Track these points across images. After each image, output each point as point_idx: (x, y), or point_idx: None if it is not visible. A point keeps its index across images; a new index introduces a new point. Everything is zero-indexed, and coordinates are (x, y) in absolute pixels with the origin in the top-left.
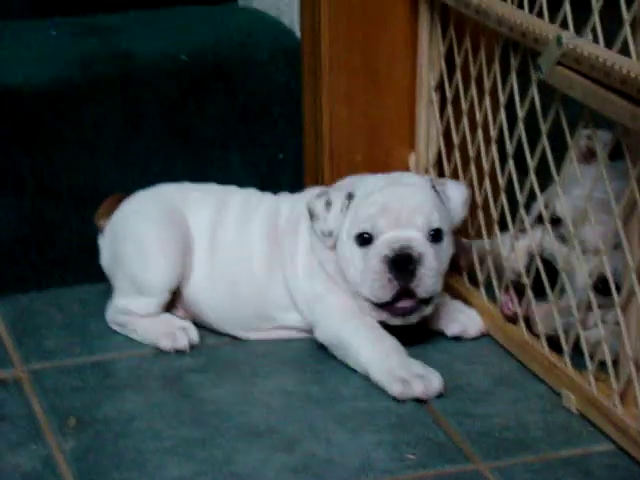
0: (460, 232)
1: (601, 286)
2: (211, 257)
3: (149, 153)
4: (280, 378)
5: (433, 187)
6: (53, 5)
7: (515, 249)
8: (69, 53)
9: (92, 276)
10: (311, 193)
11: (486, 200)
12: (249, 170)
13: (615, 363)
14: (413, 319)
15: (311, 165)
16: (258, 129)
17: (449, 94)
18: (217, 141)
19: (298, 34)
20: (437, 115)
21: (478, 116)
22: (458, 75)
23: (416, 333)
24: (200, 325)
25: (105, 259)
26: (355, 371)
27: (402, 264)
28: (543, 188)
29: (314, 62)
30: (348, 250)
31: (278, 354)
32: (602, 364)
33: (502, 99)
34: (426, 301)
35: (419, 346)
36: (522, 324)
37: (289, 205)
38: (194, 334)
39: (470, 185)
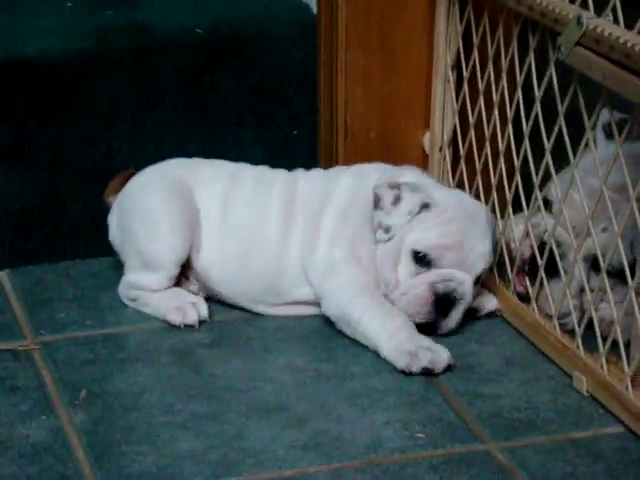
0: None
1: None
2: (223, 230)
3: (163, 127)
4: (291, 355)
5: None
6: None
7: (520, 232)
8: (84, 25)
9: (104, 249)
10: (333, 170)
11: (500, 181)
12: (263, 146)
13: (627, 345)
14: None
15: (326, 143)
16: (273, 105)
17: (466, 73)
18: (232, 116)
19: (315, 10)
20: (453, 94)
21: (495, 96)
22: (475, 54)
23: None
24: (213, 298)
25: (114, 235)
26: (366, 349)
27: (446, 304)
28: (558, 170)
29: (330, 39)
30: (398, 254)
31: (290, 331)
32: (614, 347)
33: (519, 79)
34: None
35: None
36: (534, 304)
37: (309, 178)
38: (204, 310)
39: (485, 165)
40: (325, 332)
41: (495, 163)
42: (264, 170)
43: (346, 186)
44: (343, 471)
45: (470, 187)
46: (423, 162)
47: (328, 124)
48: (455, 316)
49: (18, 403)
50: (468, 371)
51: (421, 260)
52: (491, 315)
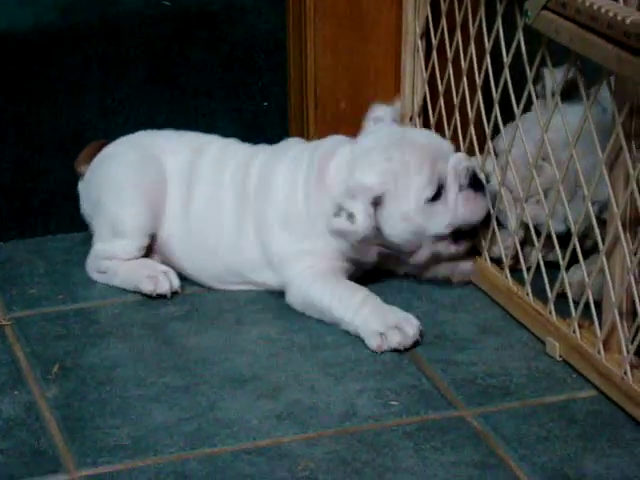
0: None
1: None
2: (186, 206)
3: (132, 101)
4: (264, 326)
5: None
6: None
7: None
8: None
9: (75, 225)
10: (289, 145)
11: (471, 148)
12: (233, 118)
13: (598, 309)
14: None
15: (296, 113)
16: (243, 77)
17: (434, 41)
18: (201, 89)
19: None
20: (422, 63)
21: (463, 63)
22: (443, 22)
23: (401, 284)
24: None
25: (84, 204)
26: None
27: (478, 181)
28: None
29: (299, 9)
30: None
31: (262, 302)
32: (586, 310)
33: (488, 45)
34: None
35: (404, 296)
36: (506, 272)
37: (263, 158)
38: (176, 280)
39: (455, 133)
40: None
41: (465, 131)
42: (228, 144)
43: (282, 173)
44: (318, 440)
45: None
46: None
47: (298, 95)
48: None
49: None
50: (442, 339)
51: (434, 199)
52: (465, 281)
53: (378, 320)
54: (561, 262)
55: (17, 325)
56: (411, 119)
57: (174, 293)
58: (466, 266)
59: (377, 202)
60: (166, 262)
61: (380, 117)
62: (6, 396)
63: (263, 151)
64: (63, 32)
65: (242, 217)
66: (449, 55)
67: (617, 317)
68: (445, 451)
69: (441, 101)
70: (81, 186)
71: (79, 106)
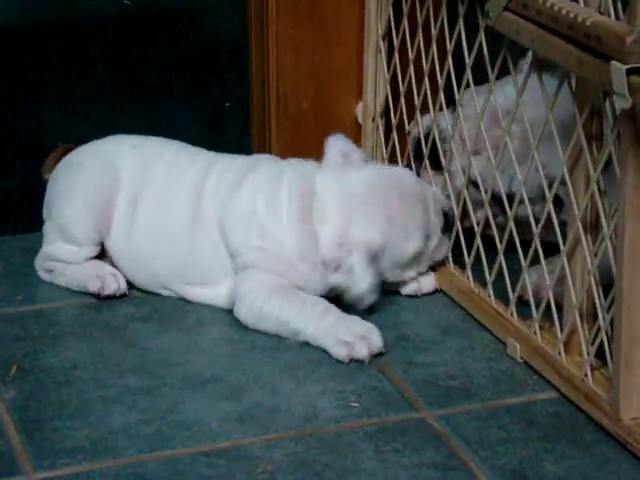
0: None
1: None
2: (135, 212)
3: (93, 101)
4: (225, 327)
5: None
6: None
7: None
8: None
9: (34, 225)
10: (250, 160)
11: (433, 148)
12: (195, 118)
13: (559, 310)
14: None
15: (258, 114)
16: (204, 77)
17: (396, 42)
18: (163, 89)
19: None
20: (384, 64)
21: (425, 65)
22: (405, 23)
23: None
24: None
25: (44, 209)
26: None
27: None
28: None
29: (261, 9)
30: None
31: None
32: (547, 312)
33: (449, 47)
34: None
35: None
36: (468, 272)
37: (221, 167)
38: (124, 283)
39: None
40: None
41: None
42: (183, 150)
43: (260, 200)
44: (278, 442)
45: (402, 157)
46: (356, 132)
47: (260, 95)
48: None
49: None
50: (403, 340)
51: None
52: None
53: (344, 331)
54: (523, 263)
55: None
56: (373, 120)
57: (122, 295)
58: (429, 282)
59: (375, 258)
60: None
61: (347, 153)
62: None
63: (222, 158)
64: (22, 31)
65: (196, 228)
66: (411, 56)
67: (578, 319)
68: (406, 453)
69: (402, 102)
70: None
71: (39, 106)
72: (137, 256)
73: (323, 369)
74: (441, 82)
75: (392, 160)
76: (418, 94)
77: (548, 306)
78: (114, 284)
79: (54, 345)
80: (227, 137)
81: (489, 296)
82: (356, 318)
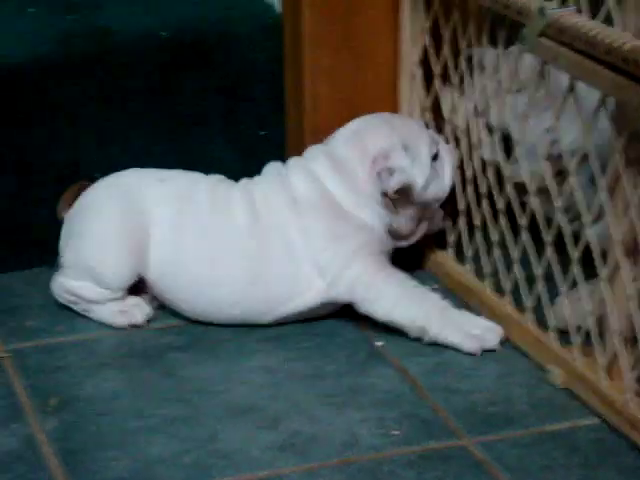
0: None
1: None
2: (177, 245)
3: (130, 130)
4: (264, 356)
5: None
6: None
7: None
8: (47, 30)
9: None
10: (276, 167)
11: (474, 175)
12: (231, 147)
13: (600, 336)
14: None
15: (293, 142)
16: (239, 105)
17: (436, 69)
18: (198, 118)
19: (278, 9)
20: (420, 91)
21: (466, 89)
22: (446, 49)
23: None
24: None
25: (60, 248)
26: (339, 347)
27: None
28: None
29: (295, 38)
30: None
31: (262, 332)
32: (588, 338)
33: (488, 71)
34: None
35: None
36: (509, 297)
37: (264, 187)
38: (147, 309)
39: (460, 161)
40: (297, 332)
41: (471, 155)
42: (217, 181)
43: (300, 187)
44: (319, 470)
45: None
46: None
47: (295, 123)
48: None
49: None
50: (442, 367)
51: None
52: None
53: (468, 324)
54: (561, 287)
55: (15, 357)
56: None
57: (148, 322)
58: (439, 216)
59: (409, 152)
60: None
61: None
62: (4, 429)
63: (257, 181)
64: (59, 63)
65: (263, 248)
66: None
67: (619, 344)
68: None
69: (446, 127)
70: (63, 229)
71: (76, 136)
72: (195, 286)
73: (362, 397)
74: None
75: None
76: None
77: (589, 331)
78: (139, 314)
79: (94, 375)
80: (262, 165)
81: (528, 322)
82: (468, 313)
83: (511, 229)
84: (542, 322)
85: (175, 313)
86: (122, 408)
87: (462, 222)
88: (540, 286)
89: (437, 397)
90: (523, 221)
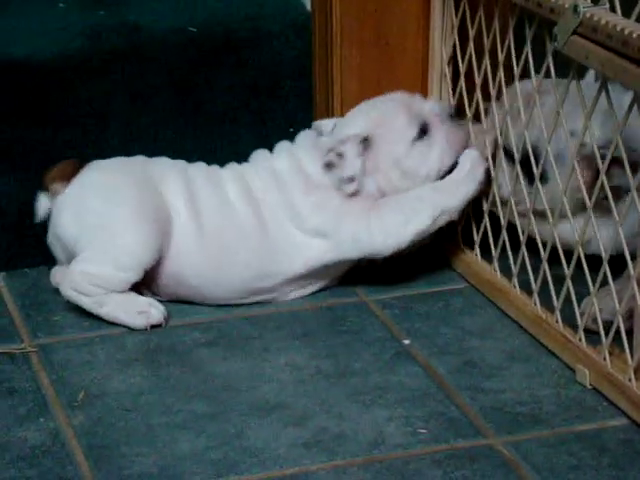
0: None
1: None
2: (197, 228)
3: (158, 127)
4: (291, 353)
5: None
6: None
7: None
8: (77, 25)
9: None
10: (263, 153)
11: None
12: (259, 144)
13: (629, 335)
14: None
15: None
16: (268, 103)
17: (462, 67)
18: (227, 115)
19: (309, 7)
20: (450, 89)
21: (492, 90)
22: (471, 47)
23: (428, 311)
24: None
25: (65, 229)
26: (367, 345)
27: None
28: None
29: (325, 35)
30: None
31: (289, 329)
32: (617, 337)
33: (517, 71)
34: None
35: (431, 323)
36: (535, 297)
37: (247, 166)
38: (162, 308)
39: (485, 158)
40: (324, 330)
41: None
42: (206, 168)
43: (284, 165)
44: (345, 468)
45: None
46: None
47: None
48: None
49: (16, 406)
50: (469, 366)
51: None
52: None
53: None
54: (592, 289)
55: (42, 352)
56: None
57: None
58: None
59: (366, 146)
60: (167, 293)
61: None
62: (32, 424)
63: (248, 164)
64: (88, 59)
65: (261, 218)
66: (477, 81)
67: None
68: None
69: (470, 126)
70: (61, 209)
71: (104, 132)
72: (212, 264)
73: (389, 395)
74: (507, 107)
75: None
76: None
77: (618, 331)
78: (158, 313)
79: (121, 371)
80: None
81: (557, 321)
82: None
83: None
84: (571, 322)
85: (200, 310)
86: (149, 404)
87: (487, 221)
88: (569, 285)
89: (464, 396)
90: (550, 220)
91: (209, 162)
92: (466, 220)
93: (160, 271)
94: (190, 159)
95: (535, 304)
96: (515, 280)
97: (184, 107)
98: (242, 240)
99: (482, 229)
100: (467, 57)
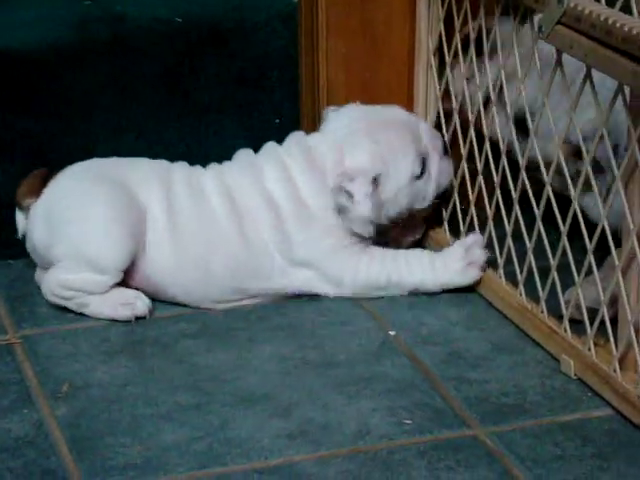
0: None
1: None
2: (172, 235)
3: (144, 117)
4: (276, 344)
5: None
6: None
7: None
8: (63, 16)
9: None
10: (247, 155)
11: (487, 165)
12: (245, 135)
13: (613, 326)
14: None
15: (308, 130)
16: (254, 93)
17: (448, 58)
18: (213, 105)
19: None
20: (436, 80)
21: (477, 79)
22: (457, 38)
23: (412, 301)
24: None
25: (38, 239)
26: (352, 336)
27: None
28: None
29: (311, 25)
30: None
31: (274, 320)
32: (602, 328)
33: (501, 61)
34: None
35: (415, 313)
36: (521, 288)
37: (234, 174)
38: (148, 301)
39: (470, 152)
40: (310, 321)
41: (480, 148)
42: (188, 170)
43: (271, 180)
44: (330, 459)
45: (455, 174)
46: None
47: (310, 111)
48: None
49: None
50: (455, 356)
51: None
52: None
53: (456, 257)
54: (576, 278)
55: (26, 343)
56: None
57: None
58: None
59: (376, 183)
60: (150, 292)
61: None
62: (15, 415)
63: (228, 167)
64: (75, 49)
65: (244, 234)
66: (463, 71)
67: (633, 335)
68: (459, 470)
69: (455, 117)
70: (32, 220)
71: (90, 123)
72: (187, 276)
73: (375, 385)
74: (493, 96)
75: None
76: (471, 108)
77: (602, 322)
78: (143, 305)
79: (105, 362)
80: None
81: (542, 312)
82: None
83: (524, 219)
84: (556, 312)
85: None
86: (133, 395)
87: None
88: (554, 276)
89: (449, 387)
90: (536, 212)
91: (195, 152)
92: (452, 211)
93: (136, 277)
94: (176, 149)
95: (521, 295)
96: (501, 271)
97: (170, 97)
98: (218, 252)
99: (468, 221)
100: (453, 47)
